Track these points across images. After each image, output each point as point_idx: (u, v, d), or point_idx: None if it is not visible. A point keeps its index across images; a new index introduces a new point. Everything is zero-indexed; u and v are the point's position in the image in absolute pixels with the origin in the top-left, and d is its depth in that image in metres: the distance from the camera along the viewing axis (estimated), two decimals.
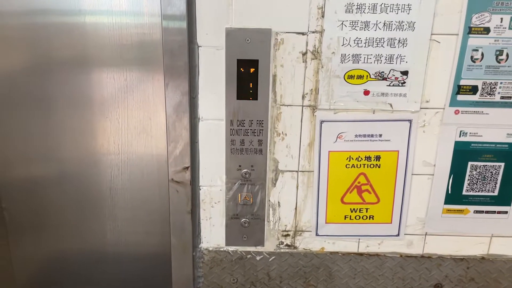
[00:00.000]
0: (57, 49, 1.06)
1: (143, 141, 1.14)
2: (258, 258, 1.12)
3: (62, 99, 1.10)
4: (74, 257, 1.26)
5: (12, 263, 1.27)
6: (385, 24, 0.94)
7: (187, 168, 1.05)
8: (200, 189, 1.08)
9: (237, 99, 1.00)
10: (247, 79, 0.99)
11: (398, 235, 1.10)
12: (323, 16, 0.94)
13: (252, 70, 0.98)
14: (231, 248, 1.12)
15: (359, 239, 1.11)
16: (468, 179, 1.06)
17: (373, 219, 1.09)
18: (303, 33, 0.95)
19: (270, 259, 1.12)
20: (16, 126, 1.13)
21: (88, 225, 1.21)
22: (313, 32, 0.95)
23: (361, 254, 1.12)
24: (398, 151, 1.03)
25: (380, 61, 0.97)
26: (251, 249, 1.12)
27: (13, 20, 1.05)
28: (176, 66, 0.97)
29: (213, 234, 1.11)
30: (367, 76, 0.98)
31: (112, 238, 1.22)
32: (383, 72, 0.98)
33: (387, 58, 0.97)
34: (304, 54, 0.97)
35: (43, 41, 1.06)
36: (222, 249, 1.12)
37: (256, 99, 1.00)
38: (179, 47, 0.96)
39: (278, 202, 1.08)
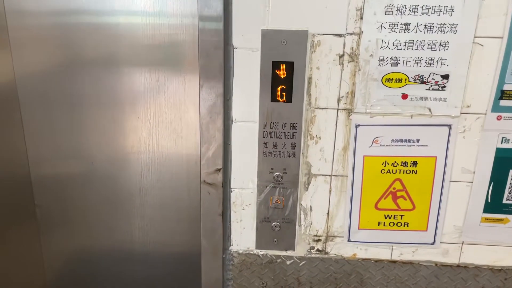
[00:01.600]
0: (91, 49, 1.07)
1: (173, 141, 1.14)
2: (288, 262, 1.11)
3: (95, 99, 1.11)
4: (103, 255, 1.27)
5: (43, 258, 1.29)
6: (426, 26, 0.92)
7: (219, 170, 1.04)
8: (231, 191, 1.07)
9: (271, 101, 0.99)
10: (282, 81, 0.97)
11: (433, 243, 1.07)
12: (361, 18, 0.92)
13: (287, 72, 0.97)
14: (261, 252, 1.11)
15: (392, 246, 1.08)
16: (509, 188, 1.02)
17: (407, 226, 1.06)
18: (340, 35, 0.94)
19: (300, 264, 1.11)
20: (49, 124, 1.15)
21: (117, 223, 1.22)
22: (351, 34, 0.93)
23: (394, 262, 1.09)
24: (436, 157, 1.00)
25: (419, 64, 0.94)
26: (282, 253, 1.10)
27: (49, 19, 1.06)
28: (211, 67, 0.97)
29: (243, 237, 1.10)
30: (405, 79, 0.95)
31: (141, 237, 1.23)
32: (422, 75, 0.95)
33: (427, 61, 0.94)
34: (341, 56, 0.95)
35: (77, 41, 1.07)
36: (252, 252, 1.11)
37: (290, 101, 0.99)
38: (215, 49, 0.96)
39: (310, 206, 1.07)
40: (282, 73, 0.96)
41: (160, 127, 1.12)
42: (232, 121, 1.01)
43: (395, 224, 1.06)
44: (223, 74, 0.97)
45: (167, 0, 1.01)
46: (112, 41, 1.06)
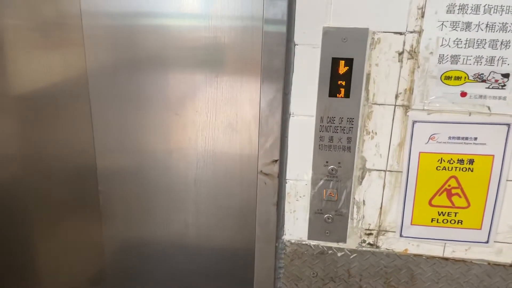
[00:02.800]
0: (156, 48, 1.14)
1: (229, 135, 1.19)
2: (339, 254, 1.14)
3: (157, 94, 1.17)
4: (157, 242, 1.34)
5: (104, 243, 1.37)
6: (488, 25, 0.92)
7: (275, 161, 1.08)
8: (286, 183, 1.11)
9: (329, 96, 1.02)
10: (341, 77, 1.00)
11: (487, 242, 1.07)
12: (422, 16, 0.94)
13: (346, 68, 1.00)
14: (313, 242, 1.14)
15: (445, 243, 1.09)
16: None
17: (461, 223, 1.06)
18: (400, 33, 0.96)
19: (351, 256, 1.13)
20: (115, 118, 1.22)
21: (173, 212, 1.28)
22: (411, 32, 0.95)
23: (446, 259, 1.10)
24: (493, 155, 1.00)
25: (480, 63, 0.95)
26: (333, 244, 1.13)
27: (119, 21, 1.14)
28: (273, 63, 1.01)
29: (296, 227, 1.14)
30: (465, 77, 0.96)
31: (195, 225, 1.29)
32: (482, 74, 0.96)
33: (488, 60, 0.95)
34: (401, 53, 0.97)
35: (143, 41, 1.13)
36: (304, 243, 1.15)
37: (348, 97, 1.02)
38: (277, 45, 1.00)
39: (363, 200, 1.09)
40: (341, 69, 1.00)
41: (217, 121, 1.18)
42: (290, 114, 1.06)
43: (449, 221, 1.07)
44: (284, 70, 1.02)
45: (233, 3, 1.06)
46: (176, 41, 1.12)
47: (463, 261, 1.09)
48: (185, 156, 1.22)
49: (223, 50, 1.10)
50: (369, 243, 1.12)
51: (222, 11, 1.07)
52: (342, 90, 1.01)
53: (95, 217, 1.34)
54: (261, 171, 1.10)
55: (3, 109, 1.27)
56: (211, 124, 1.18)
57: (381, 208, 1.09)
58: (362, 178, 1.07)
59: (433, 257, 1.10)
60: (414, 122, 1.01)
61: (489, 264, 1.09)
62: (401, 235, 1.10)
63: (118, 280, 1.41)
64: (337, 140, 1.05)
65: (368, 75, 1.00)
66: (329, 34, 0.98)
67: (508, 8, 0.91)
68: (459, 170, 1.03)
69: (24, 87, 1.25)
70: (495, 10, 0.91)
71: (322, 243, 1.14)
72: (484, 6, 0.91)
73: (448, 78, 0.97)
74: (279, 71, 1.02)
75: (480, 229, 1.06)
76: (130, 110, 1.21)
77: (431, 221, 1.08)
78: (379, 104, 1.01)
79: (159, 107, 1.19)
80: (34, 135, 1.29)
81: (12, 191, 1.35)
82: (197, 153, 1.21)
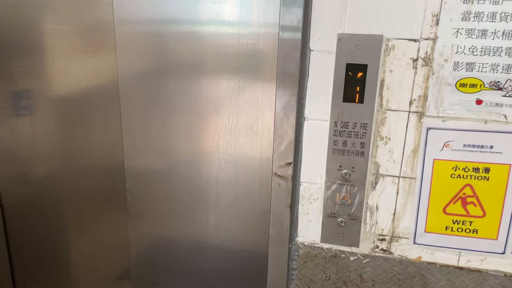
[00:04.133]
0: (181, 54, 1.19)
1: (249, 138, 1.23)
2: (352, 258, 1.15)
3: (183, 99, 1.23)
4: (181, 240, 1.38)
5: (129, 241, 1.44)
6: (504, 33, 0.92)
7: (290, 163, 1.11)
8: (300, 185, 1.13)
9: (343, 101, 1.04)
10: (355, 82, 1.02)
11: (503, 253, 1.05)
12: (437, 24, 0.94)
13: (360, 74, 1.01)
14: (325, 245, 1.16)
15: (460, 252, 1.07)
16: None
17: (476, 233, 1.05)
18: (415, 40, 0.97)
19: (364, 261, 1.14)
20: (143, 120, 1.28)
21: (195, 211, 1.33)
22: (425, 39, 0.96)
23: (461, 268, 1.08)
24: (510, 164, 0.99)
25: (496, 71, 0.94)
26: (346, 248, 1.14)
27: (149, 27, 1.20)
28: (288, 68, 1.05)
29: (309, 229, 1.16)
30: (480, 85, 0.96)
31: (215, 224, 1.33)
32: (498, 82, 0.95)
33: (504, 67, 0.94)
34: (415, 60, 0.98)
35: (170, 47, 1.19)
36: (317, 245, 1.16)
37: (362, 102, 1.03)
38: (293, 51, 1.03)
39: (376, 206, 1.10)
40: (355, 75, 1.01)
41: (239, 124, 1.22)
42: (305, 118, 1.08)
43: (464, 230, 1.06)
44: (299, 75, 1.05)
45: (251, 12, 1.10)
46: (200, 47, 1.17)
47: (478, 271, 1.07)
48: (208, 156, 1.27)
49: (245, 55, 1.15)
50: (382, 249, 1.12)
51: (244, 18, 1.12)
52: (356, 95, 1.03)
53: (122, 214, 1.41)
54: (275, 173, 1.13)
55: (42, 109, 1.37)
56: (233, 127, 1.23)
57: (394, 214, 1.09)
58: (376, 183, 1.08)
59: (447, 266, 1.09)
60: (428, 128, 1.01)
61: (505, 275, 1.06)
62: (414, 242, 1.09)
63: (142, 275, 1.47)
64: (351, 145, 1.07)
65: (382, 81, 1.01)
66: (343, 41, 1.00)
67: None
68: (474, 178, 1.02)
69: (62, 89, 1.34)
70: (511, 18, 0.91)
71: (335, 247, 1.15)
72: (501, 14, 0.91)
73: (463, 85, 0.97)
74: (294, 76, 1.05)
75: (496, 239, 1.04)
76: (156, 113, 1.27)
77: (445, 229, 1.07)
78: (393, 110, 1.02)
79: (184, 110, 1.24)
80: (69, 135, 1.38)
81: (48, 186, 1.45)
82: (220, 153, 1.26)
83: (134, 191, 1.37)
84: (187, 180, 1.31)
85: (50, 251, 1.51)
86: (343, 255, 1.15)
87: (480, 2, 0.91)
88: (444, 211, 1.05)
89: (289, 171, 1.12)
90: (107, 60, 1.26)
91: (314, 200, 1.13)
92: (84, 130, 1.35)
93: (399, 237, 1.10)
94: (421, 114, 1.01)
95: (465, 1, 0.92)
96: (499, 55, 0.93)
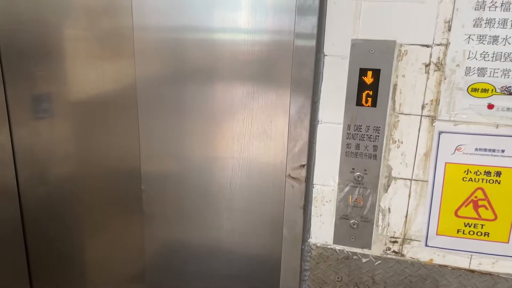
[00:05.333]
0: (198, 60, 1.23)
1: (263, 141, 1.25)
2: (364, 260, 1.16)
3: (199, 103, 1.26)
4: (195, 242, 1.41)
5: (144, 243, 1.47)
6: None
7: (303, 166, 1.14)
8: (313, 187, 1.16)
9: (356, 105, 1.07)
10: (368, 87, 1.05)
11: None
12: (449, 30, 0.97)
13: (373, 78, 1.04)
14: (338, 247, 1.17)
15: (471, 255, 1.09)
16: None
17: (488, 236, 1.06)
18: (427, 46, 0.99)
19: (376, 263, 1.16)
20: (160, 125, 1.31)
21: (209, 214, 1.35)
22: (438, 44, 0.98)
23: (472, 271, 1.09)
24: None
25: (507, 76, 0.96)
26: (358, 250, 1.16)
27: (166, 34, 1.24)
28: (303, 72, 1.07)
29: (322, 231, 1.18)
30: (492, 90, 0.98)
31: (228, 226, 1.35)
32: (510, 87, 0.97)
33: None
34: (427, 65, 1.00)
35: (186, 54, 1.22)
36: (329, 247, 1.18)
37: (375, 106, 1.05)
38: (307, 56, 1.06)
39: (389, 208, 1.11)
40: (368, 79, 1.04)
41: (253, 128, 1.25)
42: (318, 121, 1.11)
43: (475, 233, 1.07)
44: (313, 79, 1.07)
45: (266, 19, 1.13)
46: (216, 54, 1.20)
47: (489, 274, 1.08)
48: (222, 160, 1.30)
49: (260, 61, 1.18)
50: (394, 251, 1.14)
51: (260, 25, 1.15)
52: (369, 99, 1.05)
53: (138, 215, 1.44)
54: (289, 174, 1.16)
55: (62, 113, 1.41)
56: (247, 131, 1.26)
57: (406, 216, 1.11)
58: (388, 186, 1.10)
59: (459, 269, 1.10)
60: (440, 132, 1.03)
61: None
62: (426, 245, 1.11)
63: (156, 277, 1.49)
64: (364, 148, 1.09)
65: (395, 85, 1.03)
66: (357, 46, 1.03)
67: None
68: (486, 182, 1.03)
69: (81, 93, 1.38)
70: None
71: (347, 248, 1.17)
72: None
73: (475, 90, 0.99)
74: (308, 80, 1.08)
75: (508, 242, 1.05)
76: (173, 118, 1.30)
77: (457, 232, 1.08)
78: (405, 114, 1.04)
79: (200, 115, 1.27)
80: (87, 138, 1.41)
81: (66, 187, 1.48)
82: (234, 156, 1.28)
83: (150, 193, 1.40)
84: (202, 183, 1.34)
85: (66, 251, 1.54)
86: (355, 257, 1.17)
87: (491, 9, 0.93)
88: (455, 214, 1.07)
89: (303, 173, 1.14)
90: (125, 65, 1.30)
91: (327, 202, 1.15)
92: (102, 133, 1.39)
93: (411, 240, 1.12)
94: (433, 118, 1.03)
95: (476, 8, 0.94)
96: (510, 60, 0.95)
